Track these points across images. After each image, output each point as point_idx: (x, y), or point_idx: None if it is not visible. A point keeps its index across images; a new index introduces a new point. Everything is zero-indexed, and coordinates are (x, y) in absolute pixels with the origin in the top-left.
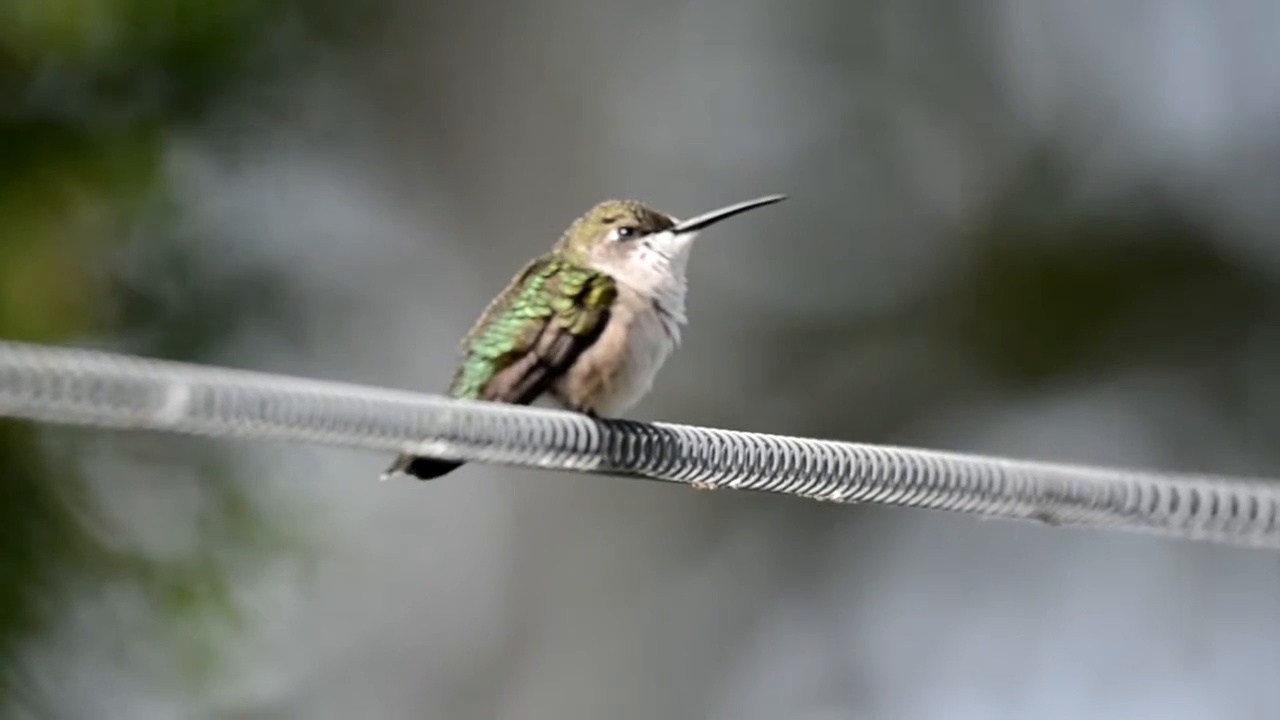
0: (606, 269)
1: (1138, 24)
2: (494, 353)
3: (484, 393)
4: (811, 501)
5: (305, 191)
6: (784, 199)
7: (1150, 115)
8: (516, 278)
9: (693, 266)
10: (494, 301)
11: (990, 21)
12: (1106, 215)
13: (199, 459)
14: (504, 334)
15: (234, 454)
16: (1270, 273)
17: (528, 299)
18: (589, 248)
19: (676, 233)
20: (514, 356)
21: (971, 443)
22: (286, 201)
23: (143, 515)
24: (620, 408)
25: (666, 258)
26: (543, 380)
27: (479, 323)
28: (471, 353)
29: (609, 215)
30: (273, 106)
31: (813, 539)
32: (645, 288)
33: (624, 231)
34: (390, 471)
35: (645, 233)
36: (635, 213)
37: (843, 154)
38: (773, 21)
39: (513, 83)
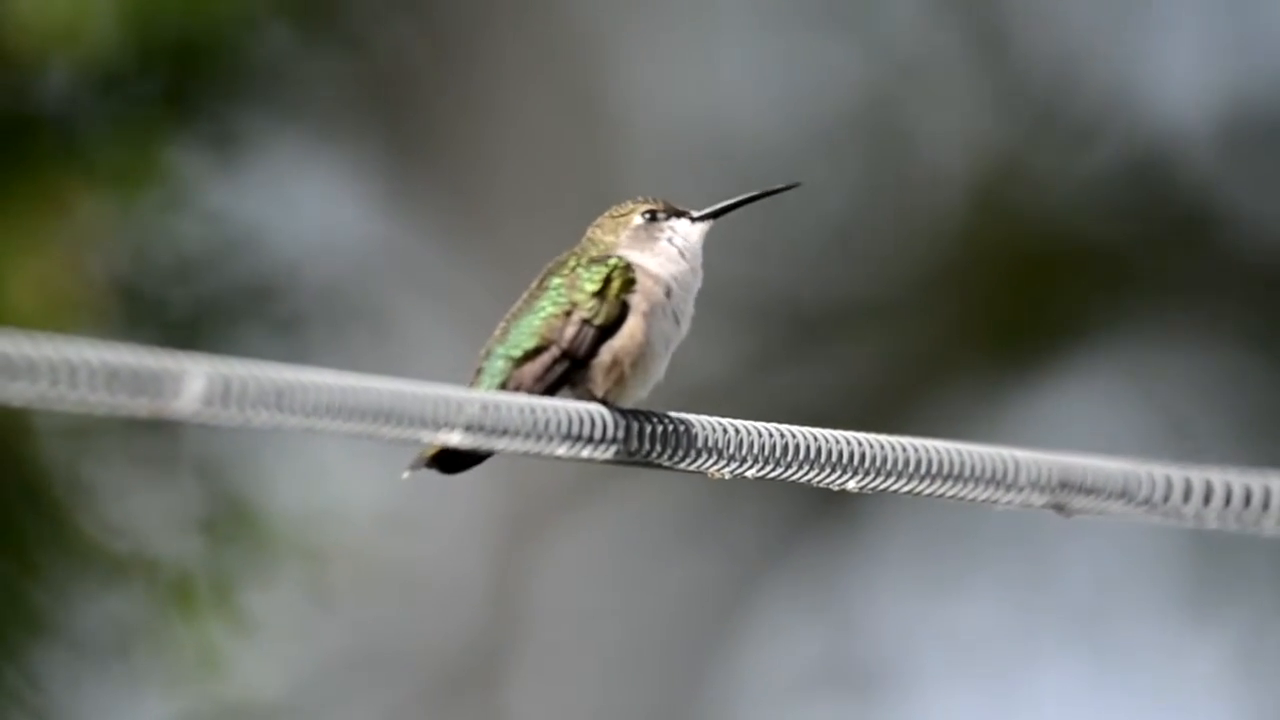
0: (633, 255)
1: None
2: (518, 352)
3: (506, 386)
4: (804, 491)
5: (303, 188)
6: (797, 185)
7: (1151, 90)
8: (535, 283)
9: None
10: (512, 309)
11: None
12: (1109, 192)
13: (200, 461)
14: (528, 333)
15: (235, 457)
16: (1271, 249)
17: (550, 299)
18: (617, 236)
19: (694, 220)
20: (538, 352)
21: (976, 424)
22: (285, 199)
23: (145, 517)
24: (635, 397)
25: (686, 244)
26: (566, 372)
27: (498, 331)
28: (492, 354)
29: (630, 207)
30: (271, 103)
31: (806, 527)
32: (665, 274)
33: (648, 215)
34: (413, 468)
35: (669, 216)
36: (656, 200)
37: (848, 133)
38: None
39: (513, 77)
